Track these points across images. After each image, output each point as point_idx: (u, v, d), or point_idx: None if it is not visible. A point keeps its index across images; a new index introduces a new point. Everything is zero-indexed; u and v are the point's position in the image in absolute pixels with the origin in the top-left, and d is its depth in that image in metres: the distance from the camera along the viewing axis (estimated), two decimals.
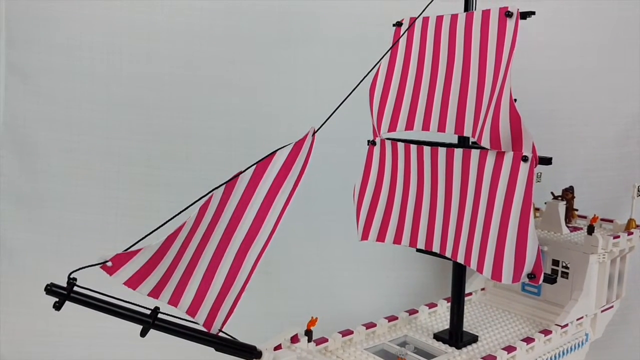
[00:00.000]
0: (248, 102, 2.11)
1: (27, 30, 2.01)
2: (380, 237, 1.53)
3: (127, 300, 1.00)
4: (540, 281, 1.26)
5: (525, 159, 1.26)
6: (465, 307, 1.64)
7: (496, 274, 1.29)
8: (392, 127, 1.48)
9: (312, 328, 1.41)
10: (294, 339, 1.37)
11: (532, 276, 1.26)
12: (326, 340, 1.47)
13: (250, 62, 2.10)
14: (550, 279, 1.31)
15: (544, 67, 2.24)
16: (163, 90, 2.08)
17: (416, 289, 2.19)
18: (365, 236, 1.54)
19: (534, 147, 1.26)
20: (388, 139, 1.50)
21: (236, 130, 2.10)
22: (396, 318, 1.64)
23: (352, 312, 2.05)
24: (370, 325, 1.57)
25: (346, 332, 1.51)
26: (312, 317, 1.41)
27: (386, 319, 1.61)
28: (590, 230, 1.68)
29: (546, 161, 1.30)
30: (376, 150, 1.53)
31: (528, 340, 1.50)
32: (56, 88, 2.02)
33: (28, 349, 1.91)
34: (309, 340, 1.41)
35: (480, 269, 1.31)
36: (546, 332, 1.56)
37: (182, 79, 2.09)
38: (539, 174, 1.82)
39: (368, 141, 1.54)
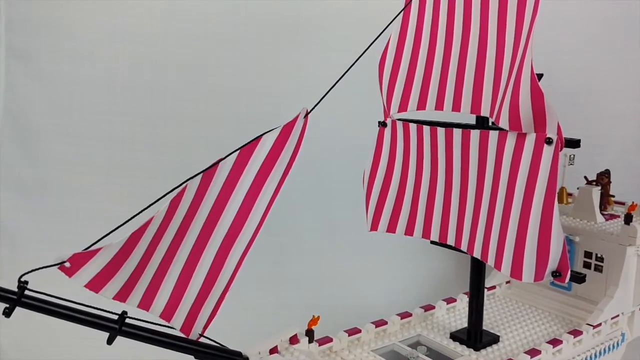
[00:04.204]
0: (256, 85, 1.99)
1: (27, 12, 1.92)
2: (391, 228, 1.41)
3: (94, 305, 0.90)
4: (567, 280, 1.12)
5: (549, 141, 1.11)
6: (487, 302, 1.51)
7: (516, 272, 1.15)
8: (403, 106, 1.35)
9: (313, 327, 1.30)
10: (293, 340, 1.26)
11: (557, 274, 1.12)
12: (331, 340, 1.35)
13: (254, 43, 1.98)
14: (579, 278, 1.16)
15: (575, 39, 2.05)
16: (169, 73, 1.98)
17: (435, 281, 2.06)
18: (374, 226, 1.43)
19: (559, 127, 1.11)
20: (399, 119, 1.37)
21: (246, 115, 1.98)
22: (410, 315, 1.51)
23: (364, 306, 1.93)
24: (380, 323, 1.45)
25: (353, 331, 1.40)
26: (313, 316, 1.30)
27: (398, 316, 1.49)
28: (628, 219, 1.52)
29: (574, 144, 1.15)
30: (387, 132, 1.40)
31: (555, 342, 1.36)
32: (58, 71, 1.93)
33: (28, 341, 1.85)
34: (310, 341, 1.29)
35: (498, 265, 1.18)
36: (576, 332, 1.41)
37: (190, 62, 1.98)
38: (572, 156, 1.66)
39: (379, 122, 1.41)
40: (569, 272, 1.11)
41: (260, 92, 1.99)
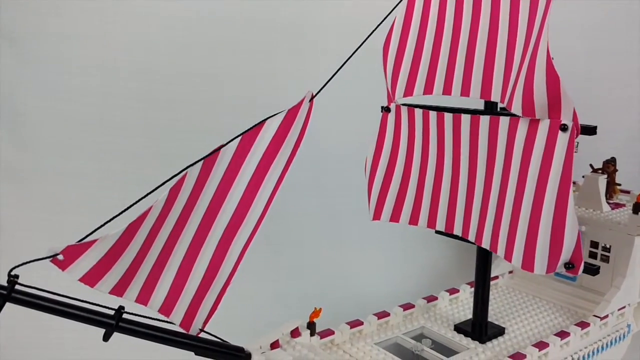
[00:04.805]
0: (255, 66, 1.92)
1: None
2: (394, 217, 1.36)
3: (90, 300, 0.85)
4: (580, 272, 1.08)
5: (564, 128, 1.06)
6: (490, 292, 1.46)
7: (527, 263, 1.10)
8: (409, 91, 1.29)
9: (315, 320, 1.25)
10: (295, 333, 1.22)
11: (570, 266, 1.08)
12: (332, 332, 1.31)
13: (256, 23, 1.91)
14: (592, 270, 1.12)
15: (579, 24, 2.00)
16: (162, 53, 1.91)
17: (436, 270, 2.02)
18: (377, 215, 1.37)
19: (574, 114, 1.06)
20: (404, 104, 1.31)
21: (247, 99, 1.91)
22: (412, 306, 1.47)
23: (365, 295, 1.88)
24: (382, 315, 1.40)
25: (355, 323, 1.36)
26: (315, 308, 1.25)
27: (401, 308, 1.45)
28: (636, 208, 1.48)
29: (590, 131, 1.11)
30: (390, 117, 1.35)
31: (562, 334, 1.32)
32: (47, 54, 1.85)
33: (23, 332, 1.77)
34: (312, 334, 1.25)
35: (508, 256, 1.13)
36: (583, 324, 1.38)
37: (184, 41, 1.91)
38: (576, 143, 1.62)
39: (382, 107, 1.35)
40: (582, 264, 1.07)
41: (262, 76, 1.93)
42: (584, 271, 1.08)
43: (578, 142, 1.63)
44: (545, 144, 1.09)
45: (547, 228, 1.08)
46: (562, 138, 1.07)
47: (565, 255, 1.07)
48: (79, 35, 1.85)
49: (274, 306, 1.87)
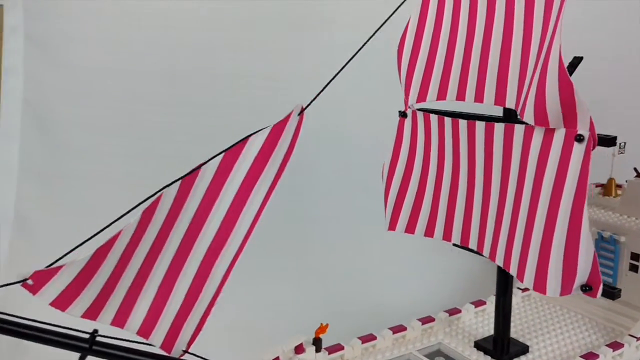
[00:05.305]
0: (272, 69, 1.88)
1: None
2: (410, 228, 1.30)
3: (67, 325, 0.84)
4: (599, 295, 0.99)
5: (579, 138, 0.97)
6: (521, 305, 1.40)
7: (539, 284, 1.03)
8: (422, 96, 1.23)
9: (321, 336, 1.21)
10: (299, 349, 1.18)
11: (587, 288, 0.99)
12: (342, 347, 1.27)
13: (269, 23, 1.88)
14: (612, 293, 1.02)
15: (603, 13, 1.85)
16: (192, 58, 1.89)
17: (464, 280, 1.92)
18: (392, 225, 1.32)
19: (591, 123, 0.97)
20: (420, 109, 1.25)
21: (262, 101, 1.88)
22: (432, 320, 1.40)
23: (385, 306, 1.79)
24: (398, 329, 1.34)
25: (368, 338, 1.30)
26: (321, 324, 1.21)
27: (420, 321, 1.38)
28: None
29: (608, 142, 1.01)
30: (407, 123, 1.29)
31: (590, 356, 1.22)
32: (77, 59, 1.87)
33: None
34: (317, 351, 1.21)
35: (520, 276, 1.06)
36: (616, 345, 1.27)
37: (211, 44, 1.89)
38: (622, 144, 1.48)
39: (399, 112, 1.29)
40: (601, 286, 0.98)
41: (276, 77, 1.89)
42: (603, 294, 1.00)
43: (625, 143, 1.50)
44: (560, 155, 1.00)
45: (559, 247, 1.00)
46: (578, 149, 0.98)
47: (581, 276, 0.99)
48: (108, 41, 1.87)
49: (283, 317, 1.82)
